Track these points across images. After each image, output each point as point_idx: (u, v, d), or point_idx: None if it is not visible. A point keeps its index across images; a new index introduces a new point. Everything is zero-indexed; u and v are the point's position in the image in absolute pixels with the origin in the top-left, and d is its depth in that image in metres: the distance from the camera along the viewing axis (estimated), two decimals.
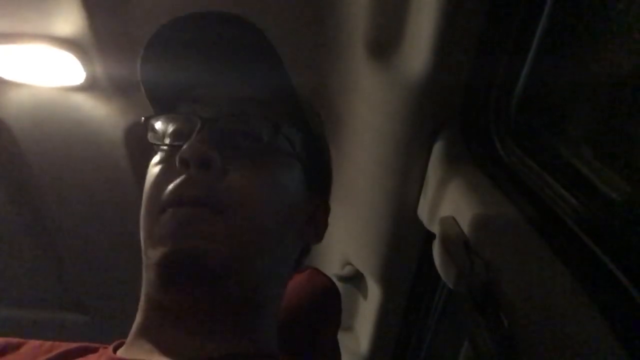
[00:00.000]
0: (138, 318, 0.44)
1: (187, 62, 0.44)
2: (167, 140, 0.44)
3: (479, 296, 0.49)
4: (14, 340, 0.48)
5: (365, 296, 1.04)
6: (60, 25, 0.80)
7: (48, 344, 0.47)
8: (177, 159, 0.40)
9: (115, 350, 0.44)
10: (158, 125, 0.45)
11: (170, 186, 0.40)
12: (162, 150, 0.44)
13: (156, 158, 0.44)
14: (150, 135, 0.45)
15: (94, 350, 0.46)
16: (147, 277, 0.43)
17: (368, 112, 0.77)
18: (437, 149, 0.69)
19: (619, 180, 0.47)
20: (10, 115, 1.01)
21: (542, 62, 0.58)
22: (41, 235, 1.30)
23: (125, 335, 0.46)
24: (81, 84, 0.90)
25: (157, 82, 0.45)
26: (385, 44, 0.67)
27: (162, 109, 0.47)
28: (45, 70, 0.88)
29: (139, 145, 1.03)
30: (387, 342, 1.04)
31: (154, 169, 0.43)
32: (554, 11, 0.55)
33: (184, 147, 0.39)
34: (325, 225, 0.53)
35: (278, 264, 0.46)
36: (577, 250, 0.42)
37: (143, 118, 0.45)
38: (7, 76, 0.91)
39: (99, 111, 0.98)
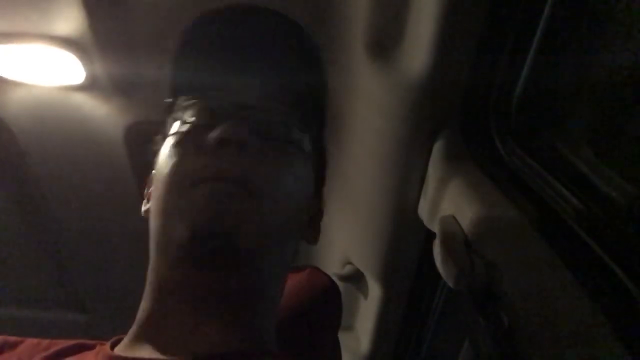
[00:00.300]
0: (143, 310, 0.44)
1: (222, 53, 0.45)
2: (194, 120, 0.44)
3: (479, 295, 0.49)
4: (12, 338, 0.48)
5: (365, 295, 1.04)
6: (61, 24, 0.80)
7: (46, 342, 0.47)
8: (214, 136, 0.40)
9: (112, 347, 0.44)
10: (186, 105, 0.45)
11: (206, 161, 0.40)
12: (188, 129, 0.44)
13: (178, 136, 0.44)
14: (175, 115, 0.45)
15: (91, 348, 0.46)
16: (164, 260, 0.42)
17: (368, 111, 0.77)
18: (438, 148, 0.69)
19: (619, 180, 0.47)
20: (10, 115, 1.01)
21: (542, 61, 0.58)
22: (41, 235, 1.30)
23: (125, 334, 0.46)
24: (81, 83, 0.90)
25: (190, 70, 0.46)
26: (385, 44, 0.67)
27: (190, 90, 0.47)
28: (46, 69, 0.88)
29: (139, 144, 1.03)
30: (388, 341, 1.04)
31: (178, 146, 0.43)
32: (554, 11, 0.55)
33: (223, 126, 0.40)
34: (319, 230, 0.54)
35: (285, 259, 0.47)
36: (578, 249, 0.42)
37: (170, 99, 0.46)
38: (8, 75, 0.91)
39: (99, 111, 0.97)
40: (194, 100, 0.45)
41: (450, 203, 0.63)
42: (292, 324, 0.56)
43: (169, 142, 0.45)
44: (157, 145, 0.48)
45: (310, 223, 0.51)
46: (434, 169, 0.69)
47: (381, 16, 0.66)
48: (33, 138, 1.06)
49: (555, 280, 0.41)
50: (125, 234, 1.15)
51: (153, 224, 0.43)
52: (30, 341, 0.48)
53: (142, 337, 0.42)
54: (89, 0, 0.75)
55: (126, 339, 0.44)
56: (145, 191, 0.51)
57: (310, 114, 0.47)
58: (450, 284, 0.52)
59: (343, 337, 0.92)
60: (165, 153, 0.44)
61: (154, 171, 0.50)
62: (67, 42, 0.83)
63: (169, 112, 0.46)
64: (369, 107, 0.76)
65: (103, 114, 0.98)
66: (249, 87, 0.45)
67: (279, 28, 0.45)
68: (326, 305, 0.60)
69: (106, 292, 1.39)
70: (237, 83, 0.45)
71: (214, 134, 0.40)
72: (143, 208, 0.48)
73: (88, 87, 0.92)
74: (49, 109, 0.99)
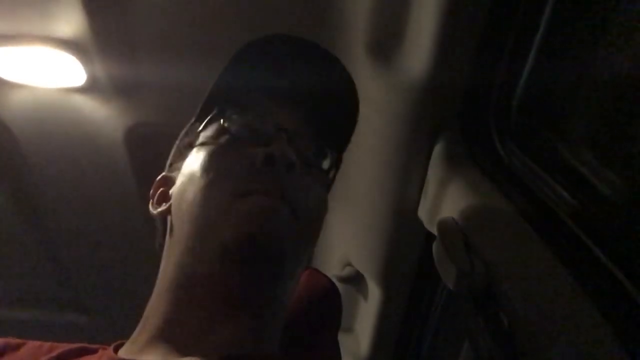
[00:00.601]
0: (162, 309, 0.44)
1: (272, 75, 0.49)
2: (236, 132, 0.47)
3: (479, 297, 0.49)
4: (14, 341, 0.48)
5: (365, 297, 1.04)
6: (61, 26, 0.80)
7: (47, 344, 0.47)
8: (261, 154, 0.43)
9: (115, 350, 0.44)
10: (231, 117, 0.48)
11: (255, 174, 0.43)
12: (230, 141, 0.47)
13: (218, 147, 0.46)
14: (215, 125, 0.48)
15: (93, 352, 0.46)
16: (198, 259, 0.43)
17: (368, 112, 0.77)
18: (438, 149, 0.69)
19: (618, 181, 0.47)
20: (11, 117, 1.01)
21: (542, 62, 0.58)
22: (41, 235, 1.30)
23: (125, 335, 0.46)
24: (82, 85, 0.90)
25: (239, 83, 0.49)
26: (385, 44, 0.67)
27: (225, 104, 0.49)
28: (46, 71, 0.88)
29: (139, 145, 1.03)
30: (388, 343, 1.04)
31: (221, 156, 0.46)
32: (554, 11, 0.55)
33: (274, 145, 0.44)
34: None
35: (302, 267, 0.51)
36: (577, 250, 0.42)
37: (217, 109, 0.48)
38: (9, 77, 0.92)
39: (99, 112, 0.98)
40: (240, 113, 0.48)
41: (450, 204, 0.63)
42: (292, 325, 0.56)
43: (207, 149, 0.47)
44: (177, 147, 0.51)
45: None
46: (434, 170, 0.69)
47: (381, 17, 0.66)
48: (34, 139, 1.06)
49: (554, 281, 0.41)
50: (125, 234, 1.16)
51: (185, 226, 0.45)
52: (32, 344, 0.48)
53: (153, 340, 0.43)
54: (90, 2, 0.75)
55: (130, 344, 0.44)
56: (152, 192, 0.52)
57: (339, 141, 0.52)
58: (450, 285, 0.52)
59: (343, 338, 0.92)
60: (203, 160, 0.46)
61: (166, 173, 0.53)
62: (68, 44, 0.83)
63: (201, 119, 0.49)
64: (369, 108, 0.76)
65: (103, 115, 0.98)
66: (287, 113, 0.48)
67: (321, 61, 0.50)
68: (326, 306, 0.60)
69: (106, 293, 1.39)
70: (279, 106, 0.49)
71: (264, 151, 0.43)
72: (158, 209, 0.49)
73: (89, 88, 0.92)
74: (50, 110, 0.99)
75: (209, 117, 0.49)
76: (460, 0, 0.56)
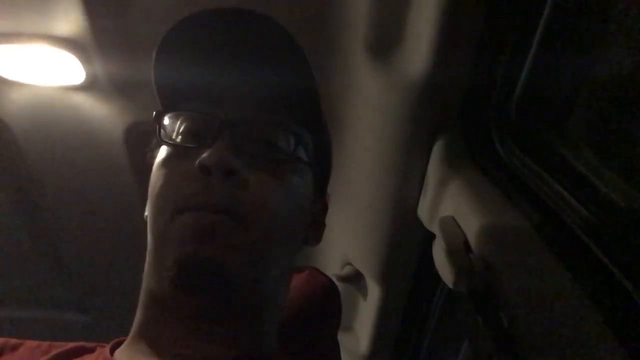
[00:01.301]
0: (139, 316, 0.44)
1: (206, 59, 0.42)
2: (180, 139, 0.42)
3: (478, 296, 0.49)
4: (12, 340, 0.47)
5: (365, 296, 1.04)
6: (61, 25, 0.80)
7: (46, 344, 0.47)
8: (197, 164, 0.38)
9: (112, 350, 0.44)
10: (172, 121, 0.43)
11: (190, 190, 0.39)
12: (176, 149, 0.42)
13: (166, 155, 0.43)
14: (161, 132, 0.43)
15: (91, 350, 0.46)
16: (154, 277, 0.42)
17: (368, 112, 0.77)
18: (437, 149, 0.69)
19: (618, 181, 0.47)
20: (10, 115, 1.01)
21: (542, 62, 0.58)
22: (41, 235, 1.30)
23: (126, 335, 0.46)
24: (81, 83, 0.90)
25: (172, 78, 0.44)
26: (385, 44, 0.67)
27: (173, 106, 0.44)
28: (45, 69, 0.88)
29: (139, 144, 1.03)
30: (387, 342, 1.04)
31: (165, 167, 0.42)
32: (553, 11, 0.55)
33: (207, 153, 0.38)
34: (324, 226, 0.53)
35: (286, 271, 0.47)
36: (577, 250, 0.42)
37: (155, 112, 0.43)
38: (7, 76, 0.91)
39: (99, 111, 0.97)
40: (177, 117, 0.43)
41: (449, 204, 0.62)
42: (292, 324, 0.56)
43: (157, 160, 0.43)
44: (152, 151, 0.46)
45: (312, 225, 0.50)
46: (433, 170, 0.69)
47: (381, 17, 0.66)
48: (33, 138, 1.06)
49: (554, 281, 0.41)
50: (125, 234, 1.15)
51: (148, 239, 0.43)
52: (30, 343, 0.47)
53: (139, 345, 0.42)
54: (89, 0, 0.75)
55: (125, 345, 0.44)
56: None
57: (304, 120, 0.45)
58: (450, 284, 0.52)
59: (342, 337, 0.92)
60: (153, 172, 0.43)
61: None
62: (67, 43, 0.83)
63: (156, 124, 0.44)
64: (369, 107, 0.76)
65: (103, 114, 0.98)
66: (236, 98, 0.42)
67: (263, 32, 0.41)
68: (326, 306, 0.60)
69: (106, 292, 1.39)
70: (222, 93, 0.42)
71: (199, 161, 0.38)
72: (145, 213, 0.46)
73: (88, 87, 0.92)
74: (49, 109, 0.99)
75: (155, 121, 0.44)
76: (459, 1, 0.56)
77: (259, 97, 0.42)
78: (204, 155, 0.38)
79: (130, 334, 0.44)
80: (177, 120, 0.43)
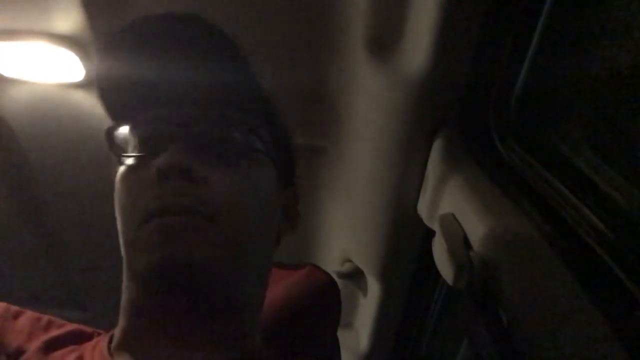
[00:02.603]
0: (121, 324, 0.44)
1: (150, 65, 0.43)
2: (135, 150, 0.42)
3: (478, 293, 0.49)
4: (14, 308, 0.47)
5: (365, 293, 1.04)
6: (60, 22, 0.80)
7: (46, 318, 0.47)
8: (154, 170, 0.39)
9: (110, 340, 0.44)
10: (125, 134, 0.43)
11: (152, 197, 0.39)
12: (133, 161, 0.43)
13: (125, 169, 0.43)
14: (115, 147, 0.43)
15: (89, 337, 0.46)
16: (130, 285, 0.42)
17: (368, 110, 0.77)
18: (437, 146, 0.69)
19: (618, 178, 0.47)
20: (9, 112, 1.01)
21: (542, 60, 0.58)
22: (40, 232, 1.30)
23: None
24: (80, 81, 0.90)
25: (118, 89, 0.44)
26: (385, 42, 0.67)
27: (122, 116, 0.44)
28: (45, 67, 0.88)
29: None
30: (387, 339, 1.04)
31: (125, 180, 0.42)
32: (553, 9, 0.55)
33: (161, 158, 0.39)
34: (298, 214, 0.53)
35: (262, 263, 0.46)
36: (577, 248, 0.42)
37: (106, 129, 0.43)
38: (7, 73, 0.91)
39: (98, 108, 0.97)
40: (129, 130, 0.43)
41: (449, 201, 0.63)
42: (291, 321, 0.56)
43: (117, 175, 0.44)
44: (115, 167, 0.46)
45: (284, 214, 0.50)
46: (433, 167, 0.69)
47: (381, 14, 0.66)
48: (32, 135, 1.06)
49: (554, 279, 0.41)
50: None
51: (122, 253, 0.43)
52: (30, 314, 0.48)
53: (124, 352, 0.42)
54: None
55: (112, 350, 0.44)
56: None
57: (255, 113, 0.45)
58: (449, 281, 0.52)
59: (342, 334, 0.92)
60: (116, 188, 0.44)
61: None
62: (67, 40, 0.83)
63: (109, 140, 0.44)
64: (369, 105, 0.76)
65: (102, 111, 0.97)
66: (184, 101, 0.42)
67: (202, 34, 0.42)
68: (325, 303, 0.60)
69: (106, 291, 1.39)
70: (171, 98, 0.42)
71: (154, 167, 0.39)
72: None
73: (87, 84, 0.92)
74: (48, 106, 0.98)
75: (107, 137, 0.44)
76: None
77: (207, 97, 0.43)
78: (159, 159, 0.39)
79: (115, 343, 0.44)
80: (130, 132, 0.43)
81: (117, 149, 0.43)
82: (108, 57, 0.43)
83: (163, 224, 0.38)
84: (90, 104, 0.97)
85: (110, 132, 0.43)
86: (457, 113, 0.67)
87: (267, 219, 0.46)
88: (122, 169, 0.43)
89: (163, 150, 0.39)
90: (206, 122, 0.42)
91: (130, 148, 0.43)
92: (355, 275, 1.03)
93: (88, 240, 1.28)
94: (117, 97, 0.44)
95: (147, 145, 0.42)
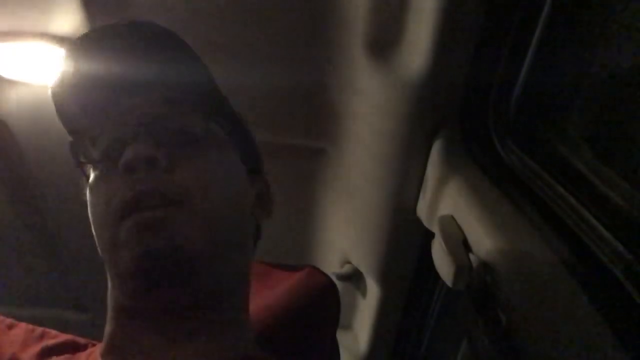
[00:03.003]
0: (108, 329, 0.44)
1: (105, 72, 0.44)
2: (101, 158, 0.43)
3: (477, 295, 0.49)
4: (8, 320, 0.48)
5: (364, 295, 1.04)
6: (59, 23, 0.80)
7: (39, 329, 0.48)
8: (120, 166, 0.39)
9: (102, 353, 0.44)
10: (88, 144, 0.44)
11: (123, 195, 0.39)
12: (99, 166, 0.43)
13: (93, 177, 0.44)
14: (80, 159, 0.44)
15: (83, 348, 0.47)
16: (115, 286, 0.43)
17: (367, 111, 0.77)
18: (437, 148, 0.69)
19: (618, 180, 0.47)
20: (8, 114, 1.01)
21: (541, 61, 0.58)
22: (40, 233, 1.30)
23: None
24: None
25: (74, 104, 0.45)
26: (384, 43, 0.67)
27: (83, 129, 0.45)
28: (44, 68, 0.88)
29: None
30: (386, 340, 1.04)
31: (96, 186, 0.43)
32: (552, 10, 0.55)
33: (124, 154, 0.39)
34: (270, 201, 0.53)
35: (241, 249, 0.47)
36: (576, 248, 0.42)
37: (69, 144, 0.44)
38: (6, 74, 0.91)
39: None
40: (91, 139, 0.44)
41: (448, 203, 0.63)
42: (290, 323, 0.56)
43: (88, 187, 0.44)
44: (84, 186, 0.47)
45: (258, 201, 0.51)
46: (432, 169, 0.69)
47: (380, 16, 0.66)
48: (32, 136, 1.06)
49: (553, 280, 0.41)
50: None
51: (103, 259, 0.44)
52: (24, 326, 0.48)
53: (114, 355, 0.42)
54: None
55: (100, 355, 0.44)
56: None
57: (210, 105, 0.46)
58: (449, 283, 0.52)
59: (341, 336, 0.92)
60: (88, 197, 0.44)
61: None
62: (66, 41, 0.83)
63: (73, 154, 0.44)
64: (368, 106, 0.76)
65: None
66: (141, 101, 0.43)
67: (151, 36, 0.44)
68: (324, 304, 0.60)
69: (106, 292, 1.39)
70: (120, 105, 0.43)
71: (120, 163, 0.39)
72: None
73: None
74: (48, 107, 0.98)
75: (71, 150, 0.44)
76: (458, 1, 0.56)
77: (163, 95, 0.44)
78: (124, 155, 0.39)
79: (103, 347, 0.44)
80: (93, 140, 0.44)
81: (83, 161, 0.44)
82: (66, 71, 0.44)
83: (140, 217, 0.38)
84: None
85: (73, 147, 0.44)
86: (457, 114, 0.67)
87: (239, 202, 0.46)
88: (90, 180, 0.44)
89: (126, 147, 0.40)
90: (165, 118, 0.43)
91: (95, 157, 0.44)
92: (355, 277, 1.03)
93: (88, 241, 1.28)
94: (77, 109, 0.45)
95: (111, 150, 0.42)
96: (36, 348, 0.45)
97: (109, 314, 0.44)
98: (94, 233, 0.44)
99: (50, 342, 0.46)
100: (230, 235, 0.44)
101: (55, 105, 0.46)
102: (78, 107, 0.45)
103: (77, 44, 0.44)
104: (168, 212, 0.39)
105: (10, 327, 0.47)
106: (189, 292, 0.41)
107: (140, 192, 0.39)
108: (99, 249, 0.43)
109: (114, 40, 0.44)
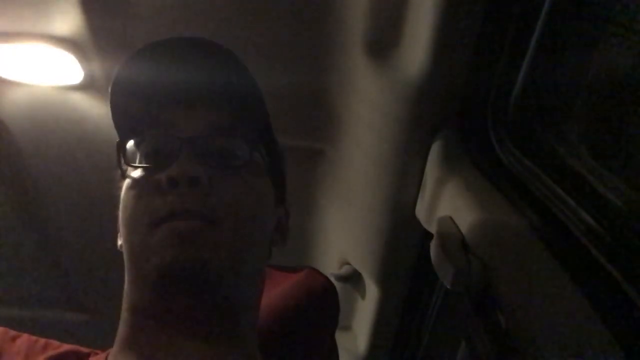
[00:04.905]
0: (123, 330, 0.45)
1: (161, 85, 0.46)
2: (145, 161, 0.46)
3: (476, 296, 0.49)
4: (12, 332, 0.49)
5: (363, 296, 1.04)
6: (59, 24, 0.80)
7: (42, 341, 0.48)
8: (164, 178, 0.42)
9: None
10: (135, 148, 0.47)
11: (162, 203, 0.42)
12: (141, 172, 0.45)
13: (134, 179, 0.45)
14: (126, 159, 0.47)
15: (86, 357, 0.47)
16: (137, 289, 0.44)
17: (366, 112, 0.77)
18: (435, 149, 0.69)
19: (616, 181, 0.47)
20: (8, 115, 1.01)
21: (540, 62, 0.58)
22: (40, 234, 1.30)
23: None
24: (79, 83, 0.90)
25: (131, 108, 0.47)
26: (384, 44, 0.67)
27: (132, 133, 0.48)
28: (43, 69, 0.88)
29: None
30: (385, 341, 1.04)
31: (134, 189, 0.45)
32: (551, 11, 0.55)
33: (172, 166, 0.42)
34: (287, 230, 0.56)
35: (259, 269, 0.49)
36: (575, 250, 0.42)
37: (117, 142, 0.47)
38: (5, 75, 0.91)
39: (97, 110, 0.97)
40: (139, 143, 0.46)
41: (447, 204, 0.63)
42: (290, 324, 0.56)
43: (125, 185, 0.46)
44: (118, 182, 0.49)
45: (277, 227, 0.53)
46: (431, 170, 0.69)
47: (380, 17, 0.66)
48: (31, 138, 1.06)
49: (552, 281, 0.41)
50: None
51: (125, 259, 0.45)
52: (28, 337, 0.49)
53: (128, 357, 0.43)
54: (87, 0, 0.75)
55: (112, 355, 0.45)
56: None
57: (256, 130, 0.49)
58: (447, 284, 0.52)
59: (340, 337, 0.92)
60: (123, 197, 0.46)
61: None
62: (65, 42, 0.83)
63: (119, 153, 0.47)
64: (367, 107, 0.76)
65: (101, 113, 0.98)
66: (189, 118, 0.46)
67: (209, 55, 0.46)
68: (323, 305, 0.60)
69: (106, 292, 1.38)
70: (176, 116, 0.46)
71: (165, 175, 0.42)
72: (118, 242, 0.49)
73: (86, 86, 0.92)
74: (47, 108, 0.99)
75: (118, 151, 0.47)
76: (457, 2, 0.56)
77: (213, 115, 0.46)
78: (171, 168, 0.42)
79: (115, 348, 0.45)
80: (140, 145, 0.47)
81: (126, 161, 0.47)
82: (122, 77, 0.46)
83: (173, 227, 0.41)
84: (89, 105, 0.97)
85: (120, 146, 0.47)
86: (456, 115, 0.67)
87: (265, 227, 0.48)
88: (129, 180, 0.46)
89: (172, 160, 0.43)
90: (211, 137, 0.45)
91: (140, 160, 0.46)
92: (353, 278, 1.03)
93: (88, 242, 1.28)
94: (130, 116, 0.48)
95: (158, 157, 0.45)
96: (40, 358, 0.46)
97: (123, 315, 0.46)
98: (121, 232, 0.46)
99: (53, 352, 0.47)
100: (253, 258, 0.46)
101: (112, 102, 0.48)
102: (135, 108, 0.47)
103: (148, 50, 0.46)
104: (200, 226, 0.41)
105: (14, 338, 0.48)
106: (206, 305, 0.43)
107: (178, 208, 0.41)
108: (124, 250, 0.45)
109: (185, 51, 0.46)
